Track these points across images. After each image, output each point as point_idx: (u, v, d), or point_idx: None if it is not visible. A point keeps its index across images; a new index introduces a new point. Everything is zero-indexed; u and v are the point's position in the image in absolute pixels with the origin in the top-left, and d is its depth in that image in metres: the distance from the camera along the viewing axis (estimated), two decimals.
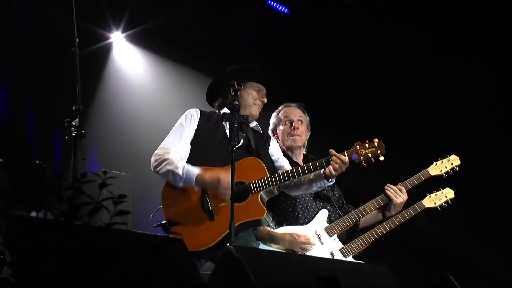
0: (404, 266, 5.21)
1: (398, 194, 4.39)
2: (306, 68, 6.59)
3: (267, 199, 3.91)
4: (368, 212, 4.39)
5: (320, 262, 3.39)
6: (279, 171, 3.94)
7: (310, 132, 4.70)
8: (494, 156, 5.86)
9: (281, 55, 6.55)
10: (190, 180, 3.76)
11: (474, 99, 5.99)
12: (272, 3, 6.91)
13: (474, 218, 5.85)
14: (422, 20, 6.16)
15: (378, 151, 3.88)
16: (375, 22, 6.33)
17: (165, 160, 3.83)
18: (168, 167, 3.80)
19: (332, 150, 3.86)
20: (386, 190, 4.41)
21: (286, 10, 6.95)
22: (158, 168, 3.85)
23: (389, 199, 4.40)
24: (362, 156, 3.86)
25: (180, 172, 3.76)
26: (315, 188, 4.07)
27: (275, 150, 4.20)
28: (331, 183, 4.01)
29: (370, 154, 3.87)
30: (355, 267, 3.37)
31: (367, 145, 3.89)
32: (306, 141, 4.69)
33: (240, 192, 3.75)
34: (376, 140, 3.91)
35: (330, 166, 3.81)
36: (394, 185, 4.43)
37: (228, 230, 3.49)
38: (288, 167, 4.10)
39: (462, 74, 6.04)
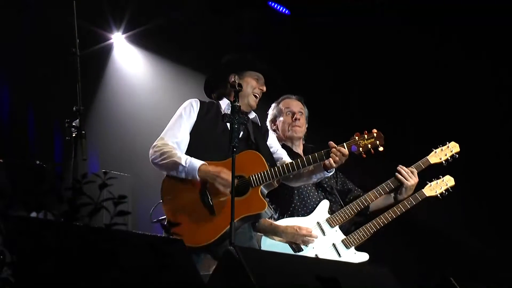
0: (404, 267, 5.20)
1: (410, 176, 4.37)
2: (307, 69, 6.59)
3: (267, 192, 3.89)
4: (369, 202, 4.37)
5: (321, 263, 3.39)
6: (279, 164, 3.92)
7: (307, 126, 4.71)
8: (494, 148, 5.83)
9: (282, 56, 6.54)
10: (193, 170, 3.71)
11: (474, 90, 5.98)
12: (272, 4, 6.91)
13: (475, 216, 5.84)
14: (422, 20, 6.16)
15: (377, 142, 3.86)
16: (375, 22, 6.33)
17: (165, 152, 3.78)
18: (170, 158, 3.75)
19: (331, 142, 3.84)
20: (397, 173, 4.38)
21: (287, 11, 6.95)
22: (158, 160, 3.79)
23: (400, 182, 4.37)
24: (361, 147, 3.85)
25: (183, 162, 3.72)
26: (315, 179, 4.07)
27: (273, 142, 4.19)
28: (331, 173, 4.00)
29: (369, 145, 3.85)
30: (356, 268, 3.37)
31: (366, 136, 3.87)
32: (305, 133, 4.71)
33: (240, 186, 3.72)
34: (374, 130, 3.89)
35: (330, 158, 3.80)
36: (407, 167, 4.40)
37: (229, 226, 3.49)
38: (286, 158, 4.10)
39: (463, 66, 6.03)
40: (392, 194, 4.46)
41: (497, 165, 5.85)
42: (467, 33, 6.02)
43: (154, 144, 3.87)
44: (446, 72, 6.17)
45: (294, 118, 4.58)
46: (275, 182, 3.89)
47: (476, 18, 5.87)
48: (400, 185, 4.39)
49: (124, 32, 7.07)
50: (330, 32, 6.50)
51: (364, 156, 3.86)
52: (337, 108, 6.45)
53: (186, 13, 6.83)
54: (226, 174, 3.66)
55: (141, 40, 7.17)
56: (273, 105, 4.72)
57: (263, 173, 3.79)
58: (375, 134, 3.88)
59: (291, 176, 3.99)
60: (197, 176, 3.71)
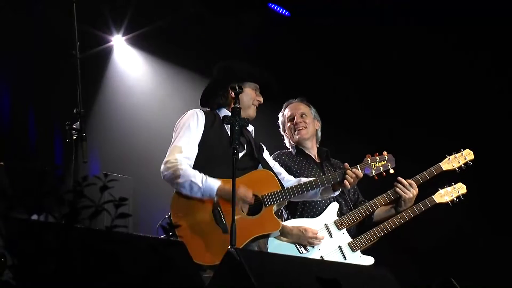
0: (405, 268, 5.20)
1: (407, 189, 4.33)
2: (307, 70, 6.59)
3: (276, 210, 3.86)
4: (379, 206, 4.36)
5: (321, 264, 3.39)
6: (292, 184, 3.90)
7: (320, 123, 4.72)
8: (494, 150, 5.81)
9: (282, 58, 6.55)
10: (211, 189, 3.62)
11: (486, 94, 5.97)
12: (273, 6, 6.91)
13: (476, 217, 5.83)
14: (422, 19, 6.16)
15: (389, 165, 3.98)
16: (375, 22, 6.34)
17: (178, 169, 3.64)
18: (185, 179, 3.62)
19: (346, 164, 3.93)
20: (395, 186, 4.35)
21: (286, 12, 6.95)
22: (171, 178, 3.66)
23: (399, 194, 4.35)
24: (374, 169, 3.95)
25: (200, 183, 3.62)
26: (319, 198, 4.10)
27: (268, 157, 4.15)
28: (337, 194, 4.07)
29: (381, 168, 3.97)
30: (356, 270, 3.37)
31: (377, 158, 3.96)
32: (318, 132, 4.71)
33: (253, 205, 3.68)
34: (385, 153, 4.00)
35: (345, 180, 3.87)
36: (405, 179, 4.36)
37: (242, 246, 3.46)
38: (285, 174, 4.09)
39: (468, 66, 6.02)
40: (393, 206, 4.43)
41: (497, 166, 5.84)
42: (469, 33, 6.01)
43: (166, 159, 3.72)
44: (446, 72, 6.16)
45: (294, 122, 4.60)
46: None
47: (482, 18, 5.85)
48: (399, 196, 4.37)
49: (124, 35, 7.08)
50: (330, 32, 6.50)
51: (376, 178, 3.97)
52: (337, 109, 6.43)
53: (186, 15, 6.84)
54: (244, 189, 3.61)
55: (141, 42, 7.18)
56: (279, 115, 4.76)
57: (278, 193, 3.77)
58: (386, 157, 3.99)
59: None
60: (215, 196, 3.63)
